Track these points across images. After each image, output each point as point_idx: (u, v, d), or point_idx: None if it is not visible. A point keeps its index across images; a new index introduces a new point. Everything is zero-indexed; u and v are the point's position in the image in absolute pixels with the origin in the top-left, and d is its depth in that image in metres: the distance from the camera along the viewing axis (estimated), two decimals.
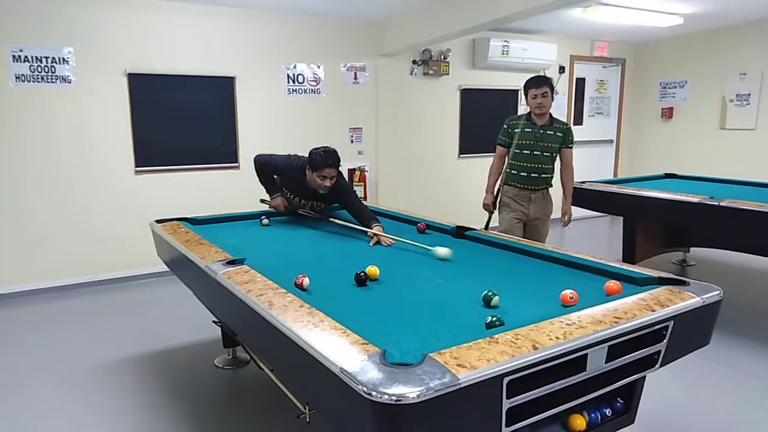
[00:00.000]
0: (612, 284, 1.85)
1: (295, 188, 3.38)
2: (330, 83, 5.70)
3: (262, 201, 3.65)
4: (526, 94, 3.70)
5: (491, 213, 3.94)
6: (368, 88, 5.93)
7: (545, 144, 3.64)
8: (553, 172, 3.73)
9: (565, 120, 3.80)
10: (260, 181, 3.53)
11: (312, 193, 3.29)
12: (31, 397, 2.94)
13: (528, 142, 3.67)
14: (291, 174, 3.35)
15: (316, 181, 3.14)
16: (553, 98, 3.69)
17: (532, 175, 3.69)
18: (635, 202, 4.25)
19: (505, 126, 3.81)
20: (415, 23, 5.26)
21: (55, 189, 4.62)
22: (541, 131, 3.65)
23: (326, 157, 3.08)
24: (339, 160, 3.14)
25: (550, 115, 3.71)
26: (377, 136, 6.07)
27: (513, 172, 3.75)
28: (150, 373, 3.20)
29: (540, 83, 3.62)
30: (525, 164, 3.69)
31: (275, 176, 3.48)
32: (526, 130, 3.69)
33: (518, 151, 3.70)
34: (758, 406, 2.76)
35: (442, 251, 2.41)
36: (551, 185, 3.78)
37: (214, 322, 3.27)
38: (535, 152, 3.66)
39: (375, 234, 2.84)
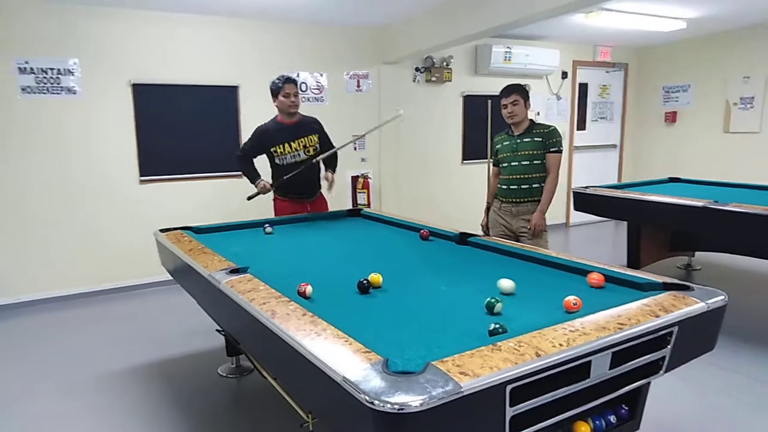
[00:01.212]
0: (594, 276, 2.02)
1: (280, 138, 3.72)
2: (333, 91, 5.72)
3: (249, 198, 3.87)
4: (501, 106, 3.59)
5: (485, 233, 3.89)
6: (371, 96, 5.95)
7: (524, 153, 3.52)
8: (540, 181, 3.54)
9: (552, 124, 3.62)
10: (243, 173, 3.91)
11: (293, 130, 3.72)
12: (36, 407, 2.94)
13: (507, 154, 3.59)
14: (268, 134, 3.74)
15: (284, 103, 3.66)
16: (526, 105, 3.53)
17: (512, 187, 3.57)
18: (639, 206, 4.24)
19: (492, 144, 3.76)
20: (418, 30, 5.28)
21: (61, 199, 4.65)
22: (518, 140, 3.54)
23: (281, 78, 3.67)
24: (294, 79, 3.73)
25: (532, 121, 3.58)
26: (380, 143, 6.08)
27: (499, 186, 3.70)
28: (154, 381, 3.20)
29: (509, 92, 3.51)
30: (507, 177, 3.60)
31: (270, 156, 3.79)
32: (505, 143, 3.63)
33: (501, 165, 3.66)
34: (764, 410, 2.74)
35: (506, 284, 2.01)
36: (540, 196, 3.57)
37: (218, 330, 3.27)
38: (513, 163, 3.56)
39: (327, 178, 3.76)
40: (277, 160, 3.75)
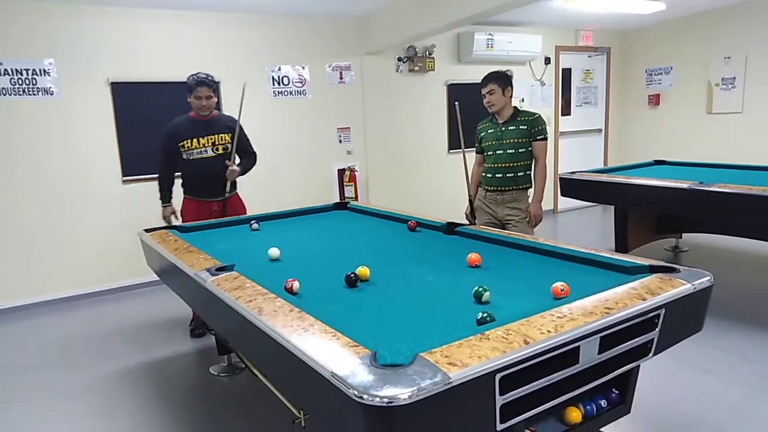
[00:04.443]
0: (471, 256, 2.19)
1: (189, 133, 3.59)
2: (316, 84, 5.67)
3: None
4: None
5: (471, 222, 3.88)
6: (354, 87, 5.91)
7: (507, 141, 3.48)
8: (525, 169, 3.51)
9: (536, 111, 3.58)
10: (160, 188, 3.76)
11: (204, 126, 3.61)
12: (29, 410, 2.91)
13: (491, 142, 3.56)
14: (177, 130, 3.60)
15: (195, 104, 3.57)
16: (505, 93, 3.46)
17: (497, 175, 3.54)
18: (625, 190, 4.26)
19: (476, 132, 3.74)
20: (399, 20, 5.24)
21: (42, 202, 4.58)
22: (503, 128, 3.51)
23: (195, 78, 3.53)
24: (212, 80, 3.58)
25: (516, 109, 3.54)
26: (365, 135, 6.05)
27: (483, 174, 3.68)
28: (146, 382, 3.17)
29: (486, 81, 3.48)
30: (490, 165, 3.58)
31: (178, 152, 3.63)
32: (489, 131, 3.60)
33: (485, 153, 3.64)
34: (754, 388, 2.77)
35: (273, 252, 2.47)
36: (527, 184, 3.56)
37: (208, 329, 3.25)
38: (497, 152, 3.53)
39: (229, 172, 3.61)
40: (184, 155, 3.61)
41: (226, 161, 3.64)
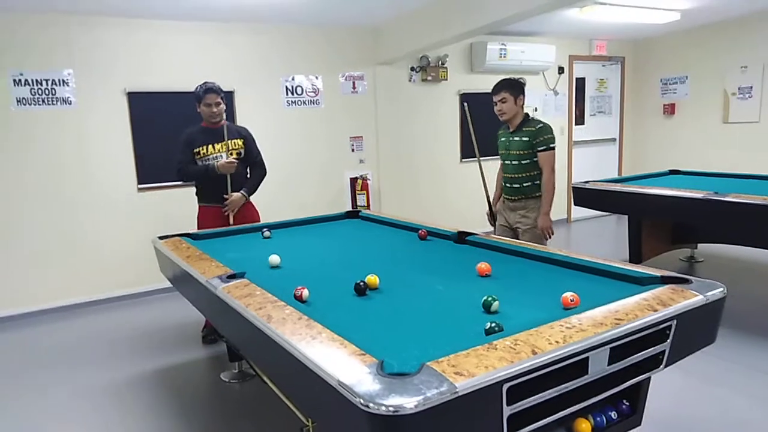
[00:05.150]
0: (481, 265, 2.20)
1: (203, 140, 3.69)
2: (329, 93, 5.71)
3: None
4: None
5: (491, 223, 3.91)
6: (367, 97, 5.94)
7: (513, 152, 3.50)
8: (531, 180, 3.48)
9: (543, 120, 3.53)
10: (197, 177, 3.76)
11: (216, 133, 3.69)
12: (38, 418, 2.94)
13: (503, 152, 3.60)
14: (191, 138, 3.70)
15: (205, 112, 3.65)
16: (517, 102, 3.43)
17: (507, 184, 3.59)
18: (640, 200, 4.22)
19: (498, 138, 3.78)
20: (412, 30, 5.27)
21: (59, 209, 4.65)
22: (511, 138, 3.52)
23: (203, 87, 3.62)
24: (219, 88, 3.66)
25: (526, 116, 3.50)
26: (378, 144, 6.07)
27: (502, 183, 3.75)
28: (158, 388, 3.20)
29: (497, 89, 3.46)
30: (504, 174, 3.64)
31: (193, 160, 3.71)
32: (502, 139, 3.62)
33: (501, 161, 3.69)
34: (766, 400, 2.72)
35: (273, 259, 2.52)
36: (535, 193, 3.50)
37: (219, 336, 3.27)
38: (506, 161, 3.57)
39: (229, 202, 3.67)
40: (199, 163, 3.69)
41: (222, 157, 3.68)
